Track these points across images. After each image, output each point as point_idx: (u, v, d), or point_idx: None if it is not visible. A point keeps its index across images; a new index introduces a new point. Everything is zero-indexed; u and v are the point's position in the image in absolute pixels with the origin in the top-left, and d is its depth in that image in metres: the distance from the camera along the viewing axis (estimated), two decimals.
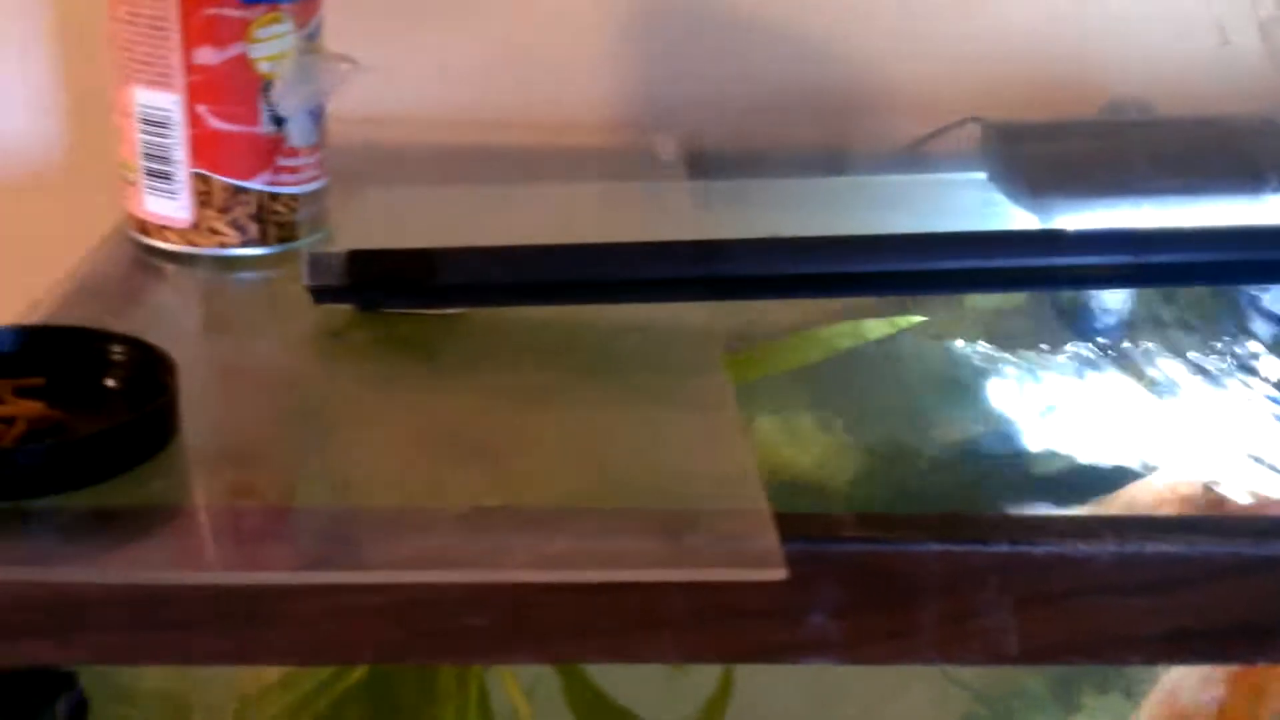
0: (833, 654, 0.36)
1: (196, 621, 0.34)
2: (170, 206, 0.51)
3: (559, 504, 0.36)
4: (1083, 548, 0.34)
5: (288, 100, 0.50)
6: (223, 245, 0.52)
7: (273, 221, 0.52)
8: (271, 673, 0.52)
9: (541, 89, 0.68)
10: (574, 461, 0.39)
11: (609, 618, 0.35)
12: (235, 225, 0.52)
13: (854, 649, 0.36)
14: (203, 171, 0.51)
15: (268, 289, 0.52)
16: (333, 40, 0.54)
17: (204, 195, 0.51)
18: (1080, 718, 0.61)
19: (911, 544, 0.35)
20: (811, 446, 0.49)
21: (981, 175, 0.61)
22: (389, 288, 0.46)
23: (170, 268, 0.53)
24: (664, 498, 0.36)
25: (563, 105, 0.69)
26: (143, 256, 0.53)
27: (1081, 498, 0.45)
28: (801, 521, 0.35)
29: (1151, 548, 0.35)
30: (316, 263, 0.45)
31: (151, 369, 0.37)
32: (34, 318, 0.45)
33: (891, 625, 0.35)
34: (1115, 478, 0.45)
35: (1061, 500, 0.45)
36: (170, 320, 0.50)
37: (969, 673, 0.61)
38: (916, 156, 0.65)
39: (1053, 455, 0.47)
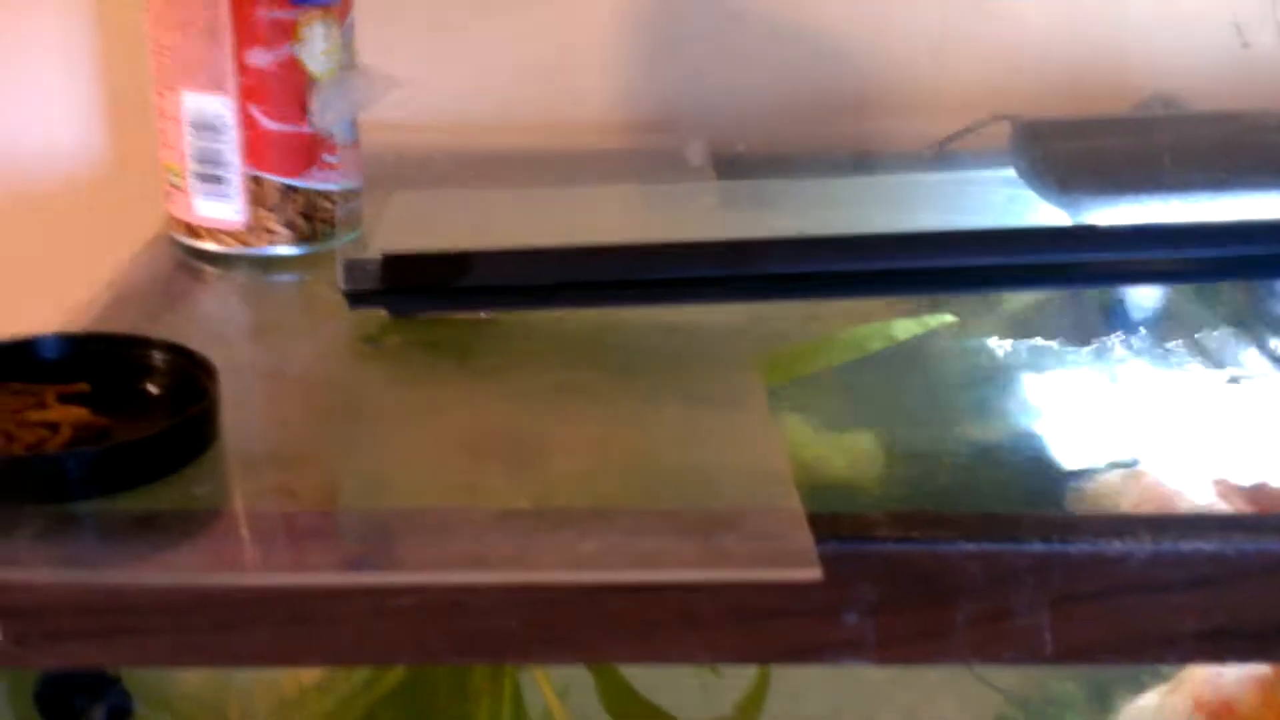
0: (867, 654, 0.36)
1: (238, 623, 0.34)
2: (223, 209, 0.52)
3: (592, 505, 0.36)
4: (1118, 546, 0.34)
5: (327, 113, 0.52)
6: (273, 243, 0.53)
7: (319, 218, 0.53)
8: (309, 676, 0.52)
9: (569, 92, 0.69)
10: (607, 462, 0.39)
11: (642, 618, 0.35)
12: (287, 224, 0.53)
13: (888, 649, 0.36)
14: (256, 172, 0.52)
15: (305, 292, 0.53)
16: (361, 44, 0.55)
17: (257, 195, 0.52)
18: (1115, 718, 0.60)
19: (946, 543, 0.35)
20: (840, 447, 0.49)
21: (1011, 173, 0.61)
22: (424, 290, 0.46)
23: (211, 271, 0.53)
24: (696, 497, 0.37)
25: (590, 108, 0.69)
26: (185, 260, 0.54)
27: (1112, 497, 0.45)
28: (835, 521, 0.35)
29: (1187, 545, 0.34)
30: (352, 268, 0.46)
31: (192, 374, 0.38)
32: (77, 324, 0.46)
33: (926, 625, 0.36)
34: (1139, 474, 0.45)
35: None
36: (212, 323, 0.50)
37: (1001, 673, 0.61)
38: (944, 155, 0.65)
39: (1080, 453, 0.47)
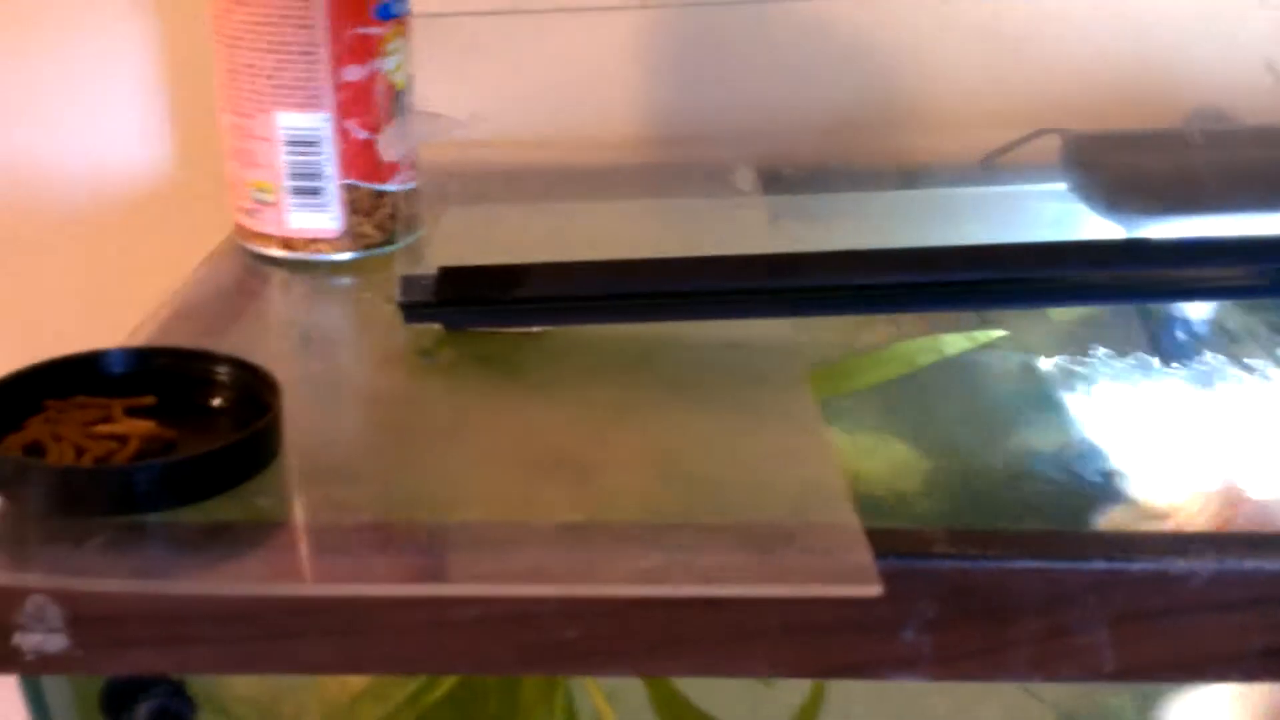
0: (924, 670, 0.36)
1: (301, 632, 0.35)
2: (319, 219, 0.54)
3: (650, 519, 0.37)
4: (1181, 564, 0.34)
5: (393, 147, 0.54)
6: (367, 247, 0.55)
7: (401, 218, 0.56)
8: (356, 682, 0.53)
9: (615, 108, 0.69)
10: (662, 476, 0.39)
11: (701, 632, 0.35)
12: (376, 226, 0.55)
13: (946, 665, 0.36)
14: (350, 181, 0.54)
15: (361, 302, 0.54)
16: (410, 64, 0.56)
17: (351, 203, 0.54)
18: None
19: (1006, 560, 0.35)
20: (887, 462, 0.49)
21: (1061, 186, 0.61)
22: (480, 304, 0.46)
23: (276, 280, 0.55)
24: (753, 512, 0.37)
25: (636, 124, 0.69)
26: (250, 271, 0.55)
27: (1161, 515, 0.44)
28: (894, 537, 0.35)
29: (1251, 564, 0.34)
30: (409, 282, 0.46)
31: (256, 388, 0.38)
32: (139, 338, 0.46)
33: (984, 642, 0.35)
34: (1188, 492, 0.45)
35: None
36: (274, 333, 0.51)
37: (1051, 685, 0.61)
38: (993, 169, 0.65)
39: (1127, 469, 0.47)
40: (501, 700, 0.50)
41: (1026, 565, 0.34)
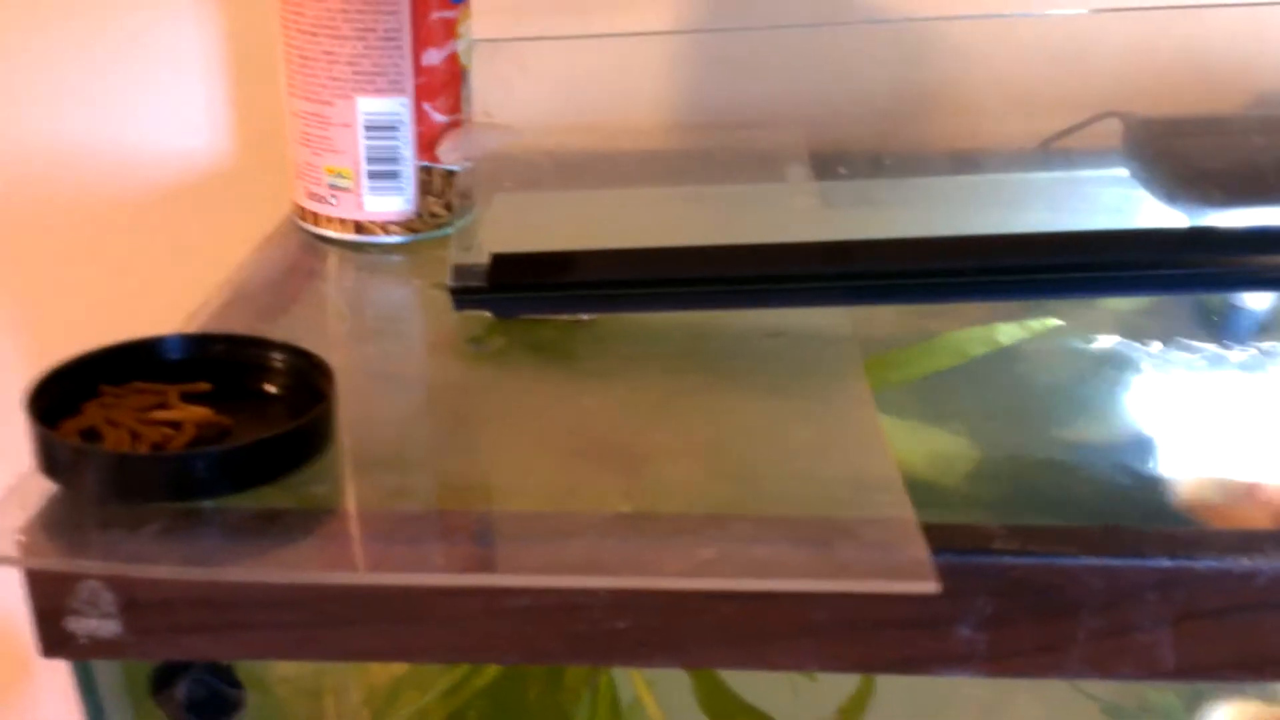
0: (978, 667, 0.35)
1: (354, 620, 0.35)
2: (395, 201, 0.55)
3: (705, 511, 0.36)
4: (1245, 563, 0.33)
5: (453, 155, 0.56)
6: (438, 226, 0.56)
7: (462, 193, 0.57)
8: (400, 666, 0.53)
9: (667, 91, 0.69)
10: (714, 467, 0.39)
11: (755, 626, 0.35)
12: (446, 206, 0.56)
13: (1000, 662, 0.35)
14: (425, 163, 0.55)
15: (418, 290, 0.54)
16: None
17: (426, 185, 0.55)
18: None
19: (1065, 557, 0.34)
20: (935, 452, 0.49)
21: (1123, 172, 0.59)
22: (530, 290, 0.46)
23: (333, 262, 0.55)
24: (808, 505, 0.36)
25: (688, 108, 0.69)
26: (306, 254, 0.56)
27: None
28: (951, 532, 0.34)
29: None
30: (461, 269, 0.46)
31: (310, 375, 0.38)
32: (196, 323, 0.47)
33: (1041, 640, 0.35)
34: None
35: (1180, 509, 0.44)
36: (331, 319, 0.52)
37: (1094, 684, 0.60)
38: (1053, 154, 0.64)
39: (1181, 464, 0.46)
40: (543, 689, 0.50)
41: (1086, 563, 0.34)
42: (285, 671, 0.52)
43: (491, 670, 0.48)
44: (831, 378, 0.45)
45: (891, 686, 0.55)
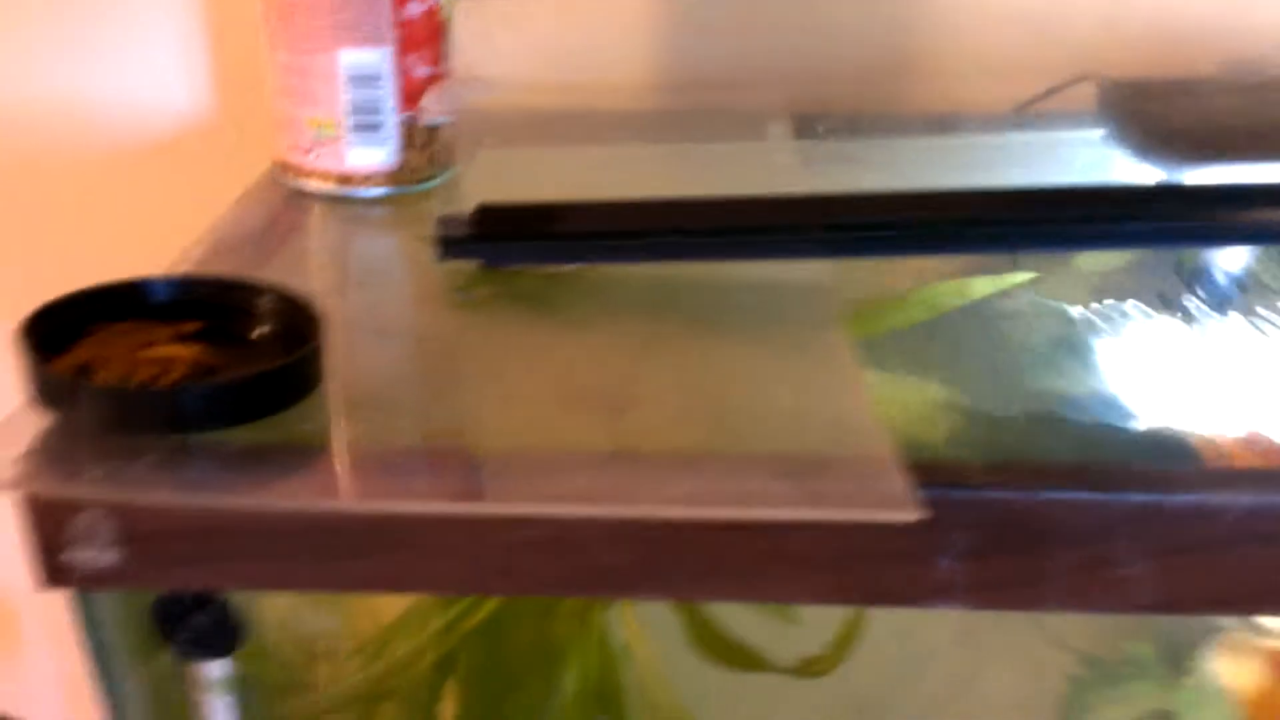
0: (959, 599, 0.36)
1: (345, 551, 0.35)
2: (378, 154, 0.55)
3: (688, 449, 0.37)
4: (1218, 498, 0.34)
5: (433, 109, 0.56)
6: (421, 180, 0.57)
7: (446, 151, 0.58)
8: (389, 613, 0.54)
9: (641, 53, 0.69)
10: (696, 410, 0.40)
11: (740, 558, 0.35)
12: (429, 160, 0.57)
13: (981, 594, 0.36)
14: (409, 115, 0.55)
15: (403, 242, 0.54)
16: None
17: (409, 138, 0.55)
18: (1189, 680, 0.60)
19: (1042, 491, 0.35)
20: (910, 404, 0.50)
21: (1097, 134, 0.60)
22: (516, 240, 0.47)
23: (316, 214, 0.55)
24: (787, 444, 0.37)
25: (664, 70, 0.69)
26: (289, 205, 0.56)
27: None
28: (930, 468, 0.35)
29: None
30: (446, 219, 0.46)
31: (298, 319, 0.39)
32: (178, 271, 0.47)
33: (1021, 572, 0.36)
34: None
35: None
36: (316, 269, 0.52)
37: (1073, 633, 0.61)
38: (1030, 117, 0.65)
39: (1149, 415, 0.47)
40: (534, 632, 0.51)
41: (1064, 496, 0.35)
42: (278, 617, 0.52)
43: (482, 611, 0.49)
44: (811, 326, 0.45)
45: (871, 641, 0.56)
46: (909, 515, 0.32)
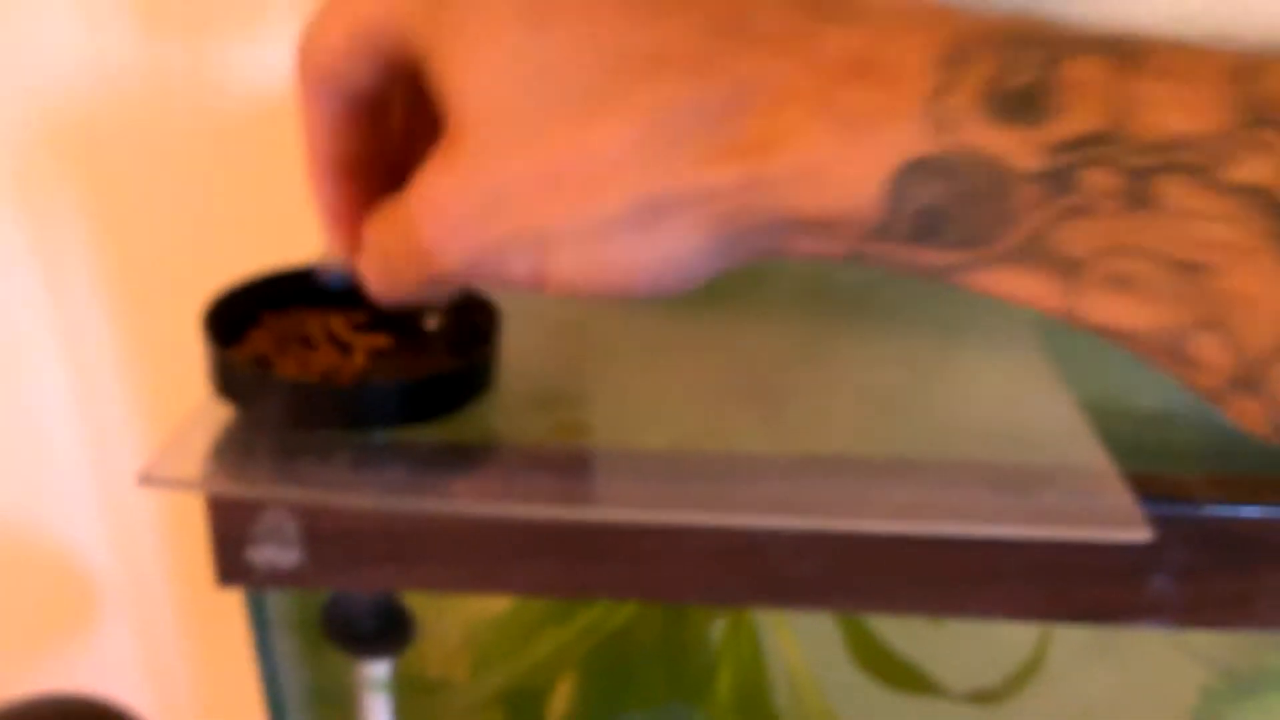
0: (1171, 618, 0.34)
1: (531, 554, 0.34)
2: None
3: (900, 454, 0.35)
4: None
5: None
6: None
7: None
8: (495, 608, 0.52)
9: None
10: (899, 414, 0.38)
11: (944, 572, 0.34)
12: None
13: (1194, 613, 0.34)
14: None
15: None
16: None
17: None
18: None
19: (1265, 507, 0.33)
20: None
21: None
22: None
23: None
24: (997, 453, 0.35)
25: None
26: None
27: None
28: (1149, 482, 0.34)
29: None
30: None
31: (471, 312, 0.37)
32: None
33: (1236, 590, 0.34)
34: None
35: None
36: None
37: (1211, 646, 0.59)
38: None
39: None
40: (680, 635, 0.49)
41: None
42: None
43: (625, 613, 0.48)
44: (1001, 325, 0.43)
45: (1002, 640, 0.54)
46: (1140, 535, 0.31)
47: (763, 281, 0.45)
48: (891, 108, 0.24)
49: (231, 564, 0.34)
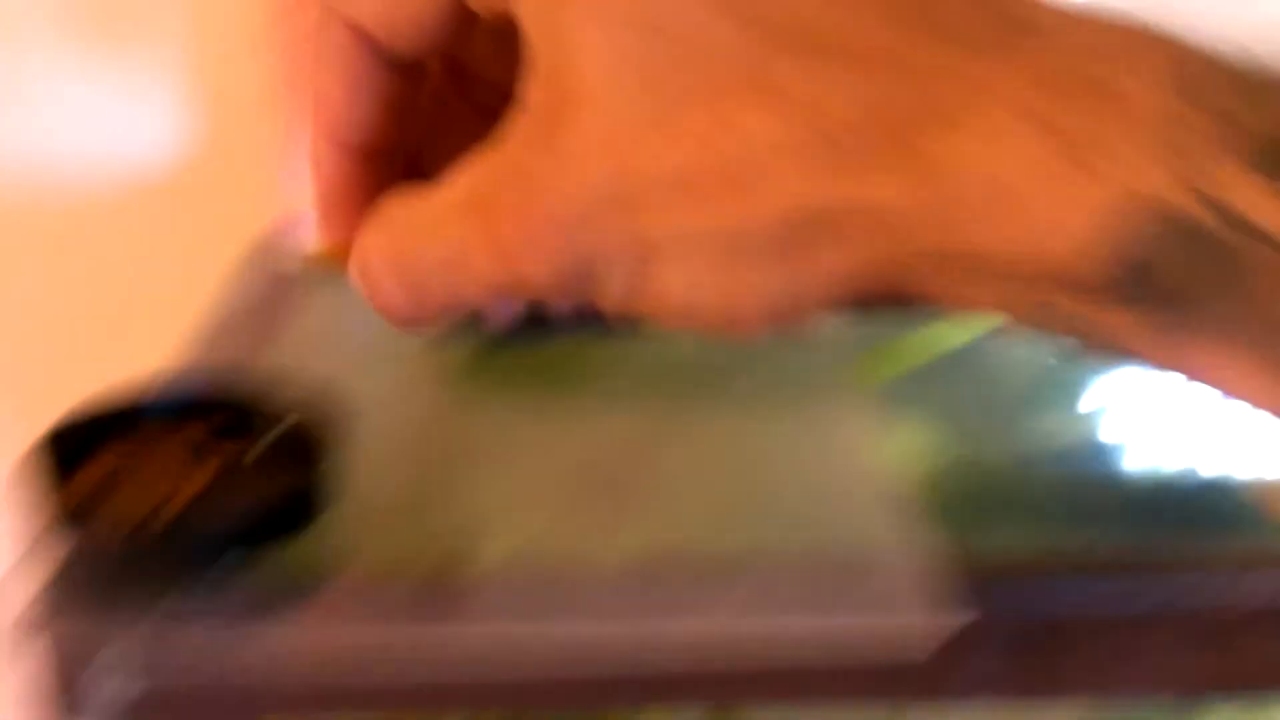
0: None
1: (393, 672, 0.35)
2: None
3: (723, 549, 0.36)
4: None
5: None
6: None
7: None
8: None
9: None
10: (726, 504, 0.39)
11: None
12: None
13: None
14: None
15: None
16: None
17: None
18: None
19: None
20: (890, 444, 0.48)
21: None
22: None
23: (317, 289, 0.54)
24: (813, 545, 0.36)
25: None
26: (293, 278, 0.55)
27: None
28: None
29: None
30: None
31: (311, 421, 0.38)
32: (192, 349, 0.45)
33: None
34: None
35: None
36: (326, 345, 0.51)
37: None
38: None
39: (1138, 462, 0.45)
40: None
41: None
42: None
43: None
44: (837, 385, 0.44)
45: None
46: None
47: (609, 366, 0.46)
48: (1121, 134, 0.19)
49: (73, 698, 0.34)
